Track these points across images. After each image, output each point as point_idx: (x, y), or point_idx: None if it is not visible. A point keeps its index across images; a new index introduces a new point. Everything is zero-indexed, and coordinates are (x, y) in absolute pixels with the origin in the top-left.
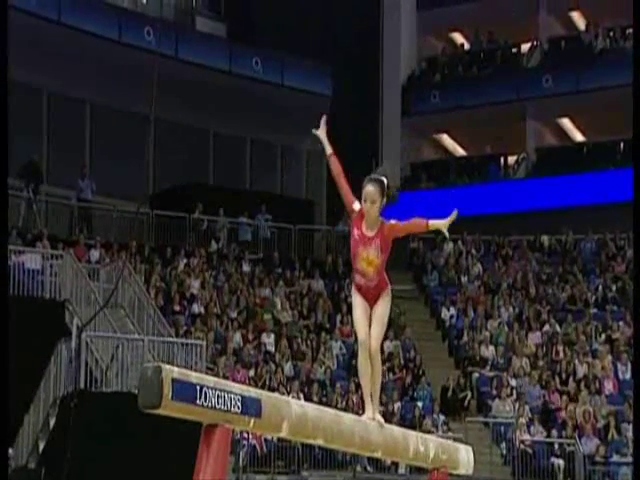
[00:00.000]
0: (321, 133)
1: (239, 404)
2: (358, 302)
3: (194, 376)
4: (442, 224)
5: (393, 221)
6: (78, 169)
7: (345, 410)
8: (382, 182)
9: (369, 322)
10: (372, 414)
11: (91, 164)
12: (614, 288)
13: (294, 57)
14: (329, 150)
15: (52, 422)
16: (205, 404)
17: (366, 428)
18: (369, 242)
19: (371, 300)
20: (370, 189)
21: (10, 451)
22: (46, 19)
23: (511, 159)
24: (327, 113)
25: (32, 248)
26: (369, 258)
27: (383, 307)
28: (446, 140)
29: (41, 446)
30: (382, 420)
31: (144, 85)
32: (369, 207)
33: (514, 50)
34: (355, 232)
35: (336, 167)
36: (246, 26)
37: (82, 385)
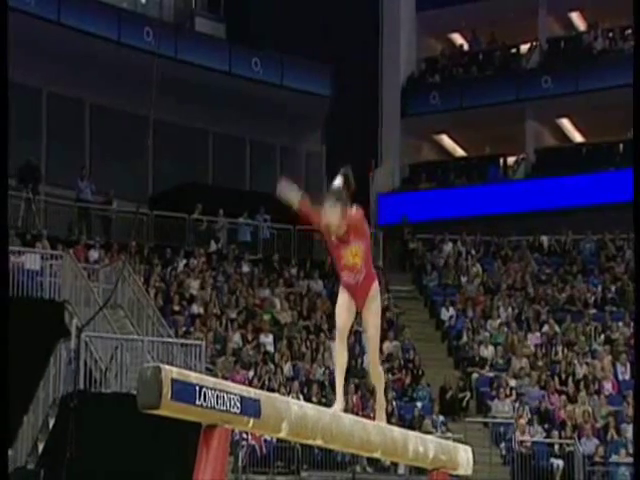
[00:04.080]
0: (287, 192)
1: (238, 404)
2: (344, 297)
3: (193, 376)
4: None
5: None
6: (77, 169)
7: (344, 411)
8: (338, 191)
9: (351, 315)
10: (343, 406)
11: (90, 165)
12: (613, 289)
13: (293, 58)
14: (296, 203)
15: (51, 423)
16: (204, 405)
17: (365, 429)
18: (346, 241)
19: (360, 299)
20: (327, 207)
21: (9, 452)
22: (45, 19)
23: (510, 160)
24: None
25: (31, 249)
26: (352, 251)
27: (374, 315)
28: (445, 141)
29: (40, 447)
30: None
31: (143, 86)
32: (332, 220)
33: (513, 51)
34: (333, 238)
35: (305, 214)
36: (245, 27)
37: (81, 386)
